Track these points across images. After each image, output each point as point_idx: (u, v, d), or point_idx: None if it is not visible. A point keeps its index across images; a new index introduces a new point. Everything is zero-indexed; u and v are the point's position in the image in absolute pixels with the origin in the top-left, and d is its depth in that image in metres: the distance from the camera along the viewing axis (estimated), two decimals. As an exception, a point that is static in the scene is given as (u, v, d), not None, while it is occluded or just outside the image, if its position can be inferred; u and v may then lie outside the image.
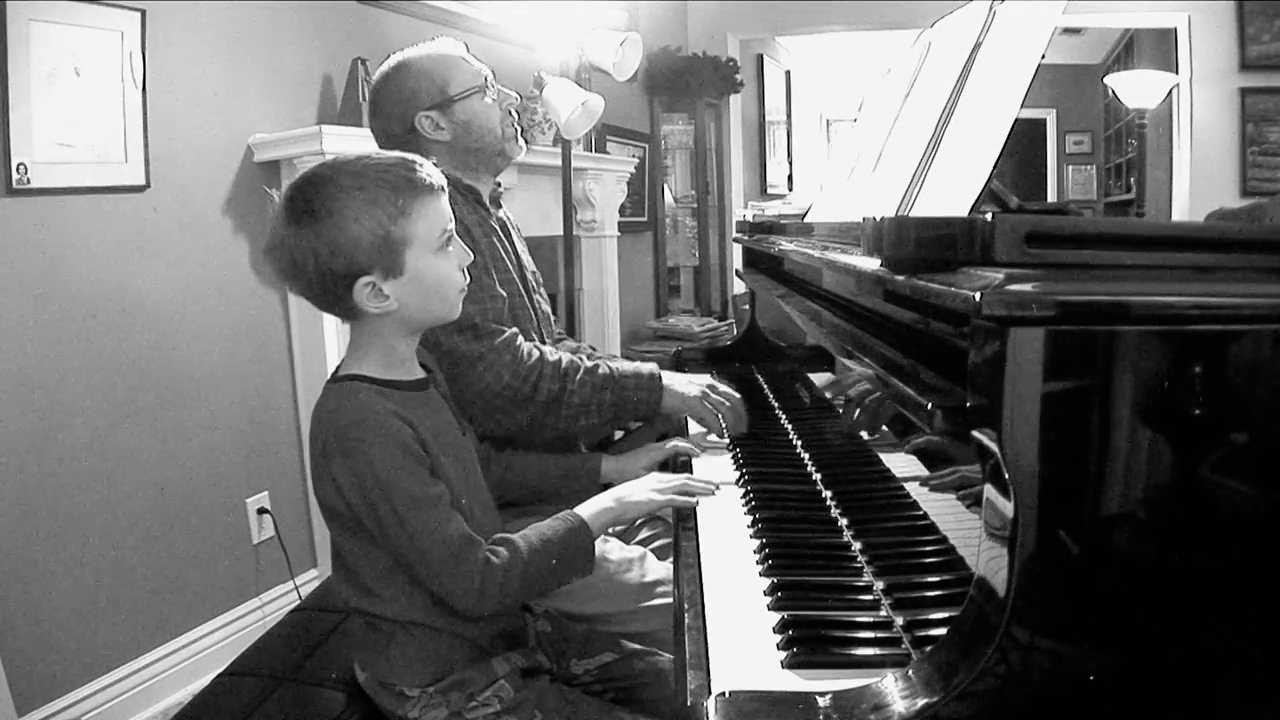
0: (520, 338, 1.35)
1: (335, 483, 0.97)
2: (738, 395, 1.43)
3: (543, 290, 1.61)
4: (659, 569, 1.34)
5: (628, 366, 1.42)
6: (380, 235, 0.95)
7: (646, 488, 1.15)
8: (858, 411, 1.15)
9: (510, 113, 1.50)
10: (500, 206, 1.56)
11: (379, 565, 1.02)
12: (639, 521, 1.50)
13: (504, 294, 1.37)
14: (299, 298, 2.25)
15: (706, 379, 1.46)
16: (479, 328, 1.29)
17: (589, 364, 1.38)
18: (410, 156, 1.01)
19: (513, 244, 1.53)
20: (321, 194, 0.95)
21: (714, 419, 1.40)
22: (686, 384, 1.42)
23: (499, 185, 1.56)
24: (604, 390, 1.37)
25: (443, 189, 1.02)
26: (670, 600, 1.27)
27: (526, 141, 1.56)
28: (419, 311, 1.02)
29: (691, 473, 1.29)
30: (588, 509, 1.10)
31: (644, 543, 1.47)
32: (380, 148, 1.46)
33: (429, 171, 1.01)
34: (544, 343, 1.50)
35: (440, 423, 1.07)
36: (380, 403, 0.98)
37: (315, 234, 0.95)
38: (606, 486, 1.32)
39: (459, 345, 1.27)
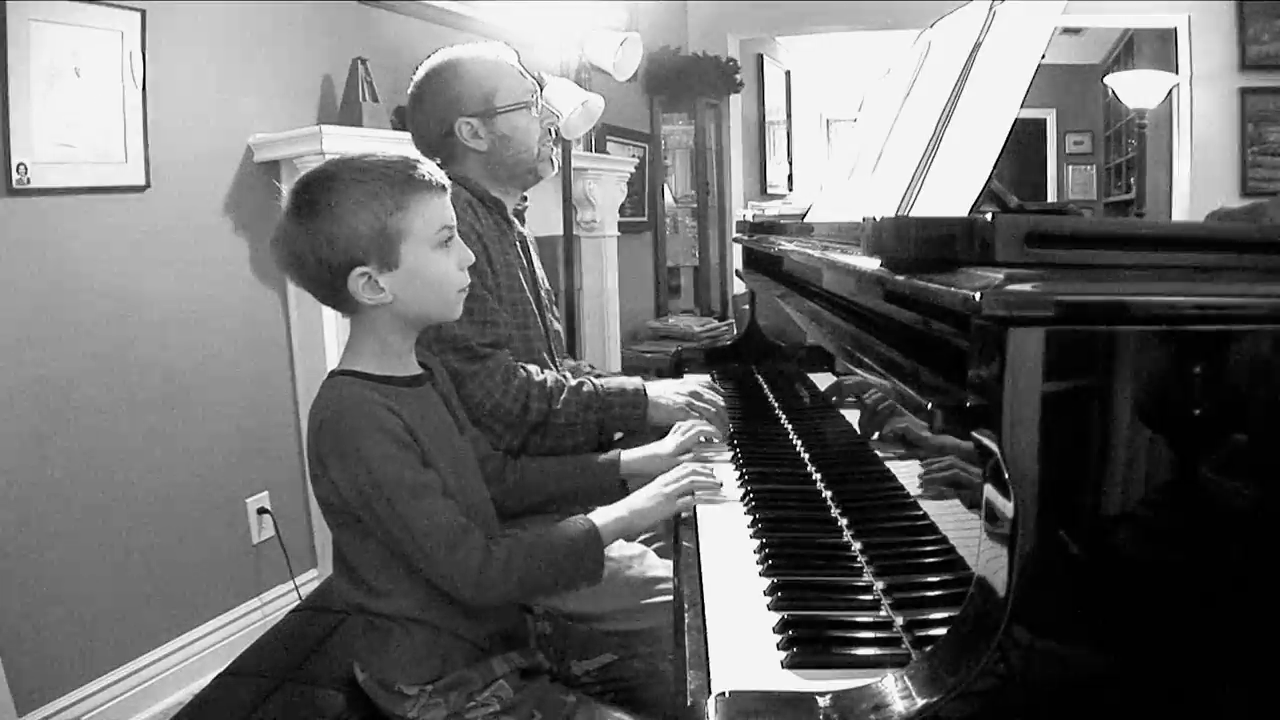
0: (510, 358, 1.35)
1: (330, 477, 0.98)
2: (722, 402, 1.43)
3: (555, 309, 1.60)
4: (659, 566, 1.34)
5: (613, 383, 1.42)
6: (377, 227, 0.97)
7: (655, 496, 1.13)
8: (867, 416, 1.15)
9: (550, 132, 1.50)
10: (523, 222, 1.55)
11: (378, 560, 1.02)
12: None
13: (506, 317, 1.36)
14: (299, 299, 2.26)
15: (692, 384, 1.45)
16: (473, 350, 1.30)
17: (573, 382, 1.38)
18: (413, 156, 1.04)
19: (530, 260, 1.52)
20: (325, 188, 0.98)
21: (710, 424, 1.39)
22: (671, 395, 1.42)
23: (524, 200, 1.55)
24: (589, 409, 1.37)
25: (444, 188, 1.04)
26: (670, 598, 1.27)
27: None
28: (415, 306, 1.03)
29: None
30: (600, 516, 1.09)
31: (645, 542, 1.47)
32: (414, 144, 1.47)
33: (430, 170, 1.03)
34: (553, 361, 1.50)
35: (434, 419, 1.07)
36: (370, 395, 0.99)
37: (316, 225, 0.97)
38: (625, 482, 1.32)
39: (452, 364, 1.27)
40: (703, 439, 1.39)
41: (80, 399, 1.80)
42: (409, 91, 1.47)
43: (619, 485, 1.32)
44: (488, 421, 1.31)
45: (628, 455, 1.34)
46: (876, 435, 1.06)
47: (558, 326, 1.59)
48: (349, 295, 0.99)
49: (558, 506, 1.33)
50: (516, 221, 1.51)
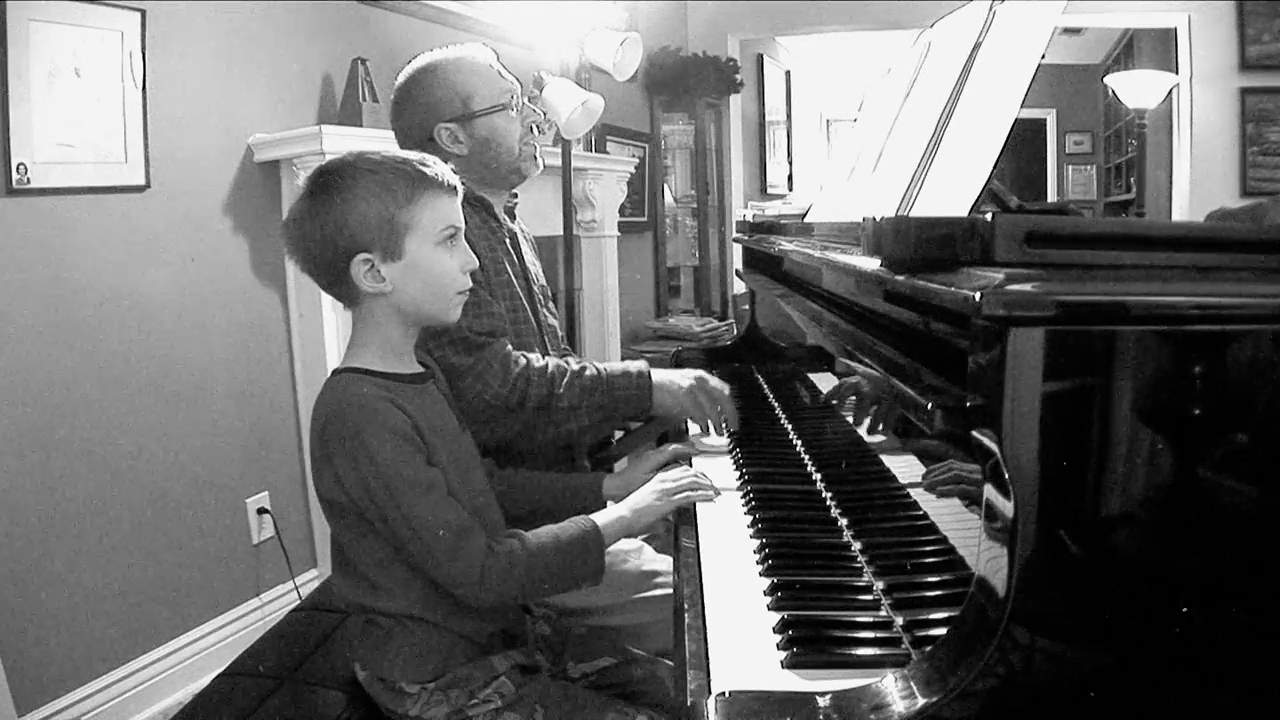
0: (509, 347, 1.35)
1: (335, 473, 0.98)
2: (726, 392, 1.42)
3: (551, 305, 1.60)
4: (657, 560, 1.34)
5: (616, 367, 1.42)
6: (385, 216, 1.00)
7: (656, 493, 1.14)
8: (868, 416, 1.15)
9: (532, 130, 1.49)
10: (514, 218, 1.55)
11: (378, 557, 1.02)
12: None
13: (501, 309, 1.36)
14: (299, 299, 2.26)
15: (697, 373, 1.45)
16: (469, 341, 1.30)
17: (575, 367, 1.38)
18: (428, 157, 1.06)
19: (522, 257, 1.52)
20: (340, 175, 1.01)
21: (704, 416, 1.39)
22: (676, 381, 1.41)
23: (514, 197, 1.55)
24: (592, 393, 1.36)
25: (455, 189, 1.06)
26: (668, 591, 1.27)
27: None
28: (414, 301, 1.04)
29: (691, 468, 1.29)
30: (602, 517, 1.10)
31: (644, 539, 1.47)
32: (399, 148, 1.47)
33: (442, 170, 1.05)
34: (547, 356, 1.49)
35: (437, 417, 1.08)
36: (376, 392, 1.00)
37: (326, 210, 1.00)
38: (607, 504, 1.32)
39: (449, 357, 1.27)
40: (704, 438, 1.39)
41: (80, 399, 1.80)
42: (391, 98, 1.48)
43: (601, 507, 1.32)
44: (488, 413, 1.31)
45: (609, 479, 1.34)
46: (871, 428, 1.06)
47: (553, 322, 1.58)
48: (350, 282, 1.01)
49: (541, 520, 1.32)
50: (506, 219, 1.51)
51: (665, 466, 1.35)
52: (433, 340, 1.26)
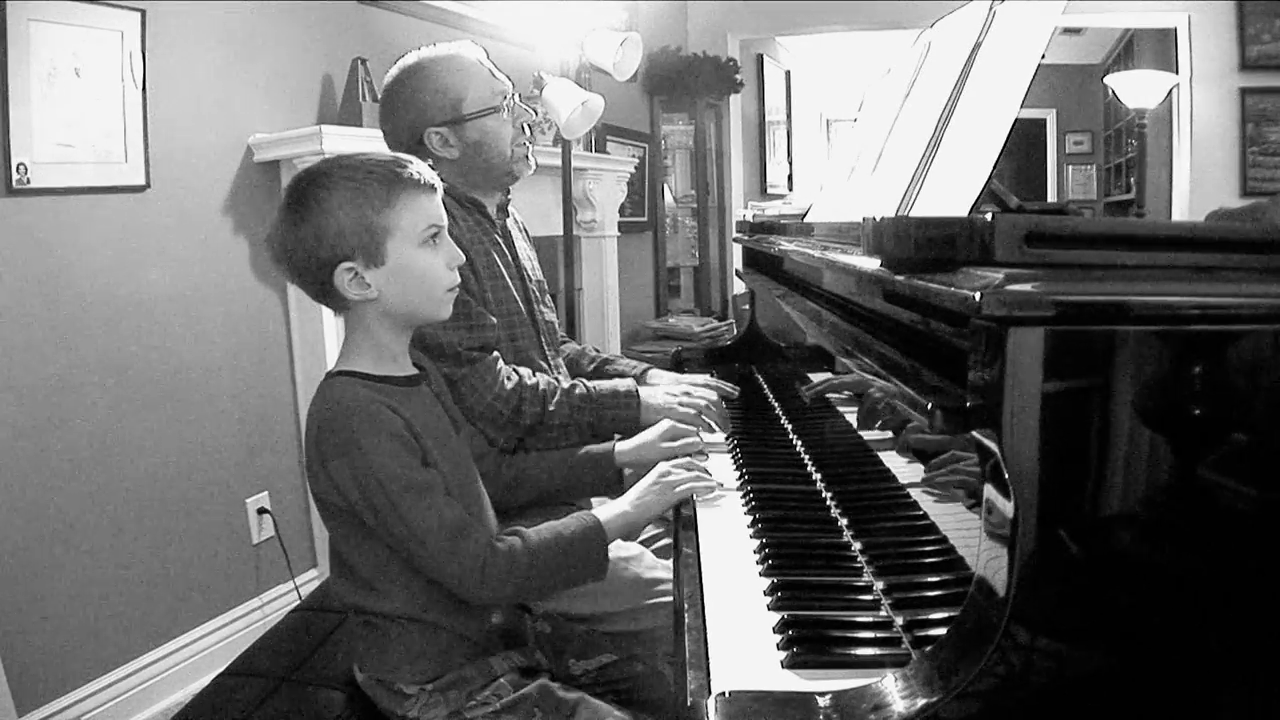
0: (500, 363, 1.35)
1: (331, 477, 0.98)
2: (714, 395, 1.42)
3: (548, 299, 1.60)
4: (658, 567, 1.34)
5: (605, 385, 1.43)
6: (363, 223, 0.99)
7: (658, 486, 1.14)
8: (869, 415, 1.15)
9: (524, 129, 1.47)
10: (508, 214, 1.55)
11: (376, 559, 1.02)
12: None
13: (493, 321, 1.36)
14: (299, 299, 2.26)
15: (685, 384, 1.45)
16: (460, 356, 1.30)
17: (565, 385, 1.39)
18: (404, 156, 1.04)
19: (516, 254, 1.51)
20: (315, 184, 1.00)
21: (698, 421, 1.40)
22: (663, 395, 1.42)
23: (507, 194, 1.55)
24: (581, 411, 1.38)
25: (433, 187, 1.05)
26: (669, 599, 1.27)
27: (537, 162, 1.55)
28: (402, 304, 1.03)
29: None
30: (604, 512, 1.10)
31: (644, 542, 1.47)
32: (389, 148, 1.46)
33: (419, 169, 1.04)
34: (545, 354, 1.49)
35: (431, 418, 1.07)
36: (370, 395, 1.00)
37: (306, 221, 0.99)
38: (621, 472, 1.32)
39: (442, 369, 1.27)
40: (702, 432, 1.38)
41: (80, 399, 1.80)
42: (380, 98, 1.46)
43: (615, 476, 1.32)
44: (480, 424, 1.31)
45: (621, 446, 1.35)
46: (876, 428, 1.06)
47: (550, 317, 1.58)
48: (337, 291, 1.01)
49: (555, 500, 1.33)
50: (500, 217, 1.51)
51: (674, 448, 1.34)
52: (425, 355, 1.26)
